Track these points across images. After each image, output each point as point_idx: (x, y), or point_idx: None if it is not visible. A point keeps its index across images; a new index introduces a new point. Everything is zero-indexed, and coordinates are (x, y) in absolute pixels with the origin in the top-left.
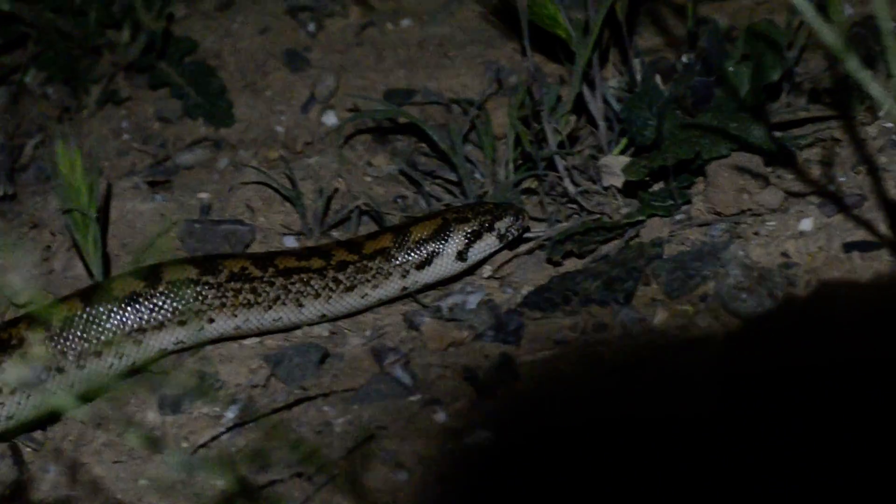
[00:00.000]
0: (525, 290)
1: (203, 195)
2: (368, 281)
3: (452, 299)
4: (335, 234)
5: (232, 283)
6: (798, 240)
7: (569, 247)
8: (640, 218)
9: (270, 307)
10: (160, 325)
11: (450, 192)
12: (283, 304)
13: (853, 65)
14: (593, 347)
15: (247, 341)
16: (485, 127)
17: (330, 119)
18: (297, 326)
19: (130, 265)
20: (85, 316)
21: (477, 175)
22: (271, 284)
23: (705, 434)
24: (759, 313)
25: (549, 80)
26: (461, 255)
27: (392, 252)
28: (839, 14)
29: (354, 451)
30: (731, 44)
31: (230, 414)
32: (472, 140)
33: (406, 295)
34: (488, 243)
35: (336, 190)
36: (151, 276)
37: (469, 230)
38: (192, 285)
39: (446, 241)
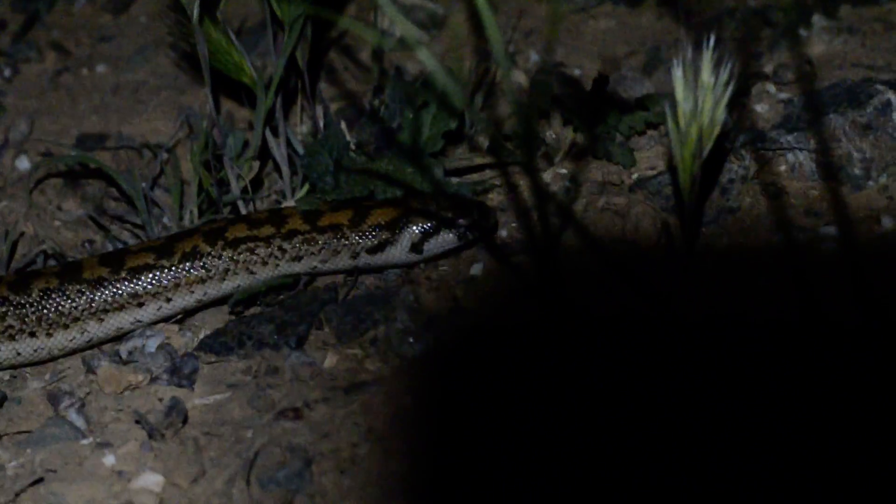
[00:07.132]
0: (203, 334)
1: None
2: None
3: (132, 343)
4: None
5: None
6: (468, 284)
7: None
8: None
9: None
10: None
11: (137, 237)
12: None
13: (475, 115)
14: (264, 391)
15: None
16: (173, 171)
17: (23, 163)
18: None
19: None
20: None
21: (165, 219)
22: None
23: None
24: (425, 356)
25: (241, 125)
26: (416, 248)
27: (346, 231)
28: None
29: (22, 493)
30: (417, 91)
31: None
32: (163, 184)
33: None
34: (446, 239)
35: (22, 234)
36: None
37: (427, 225)
38: None
39: (402, 231)
